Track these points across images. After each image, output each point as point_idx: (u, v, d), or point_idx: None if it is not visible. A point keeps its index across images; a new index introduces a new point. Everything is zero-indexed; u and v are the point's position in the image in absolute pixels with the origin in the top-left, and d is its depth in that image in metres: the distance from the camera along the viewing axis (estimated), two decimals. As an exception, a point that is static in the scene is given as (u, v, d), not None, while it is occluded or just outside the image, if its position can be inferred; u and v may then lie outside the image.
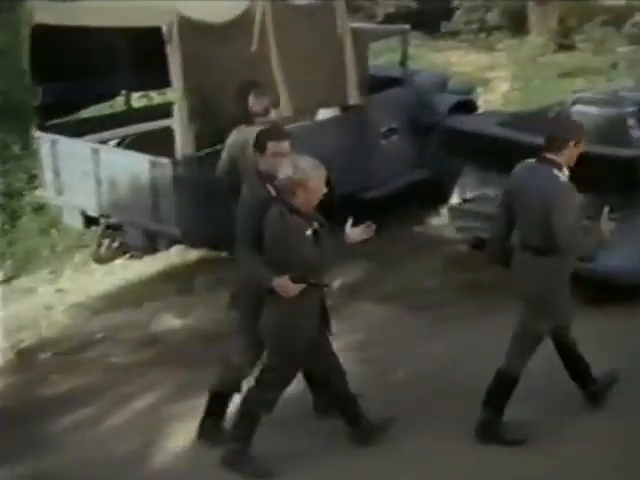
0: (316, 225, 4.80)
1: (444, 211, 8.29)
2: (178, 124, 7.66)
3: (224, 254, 7.60)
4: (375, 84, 9.06)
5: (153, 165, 7.92)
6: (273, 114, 7.27)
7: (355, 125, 8.83)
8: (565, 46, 17.17)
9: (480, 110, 11.15)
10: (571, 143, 5.18)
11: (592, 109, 9.22)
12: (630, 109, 8.96)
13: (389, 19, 18.55)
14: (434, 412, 5.58)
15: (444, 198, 8.34)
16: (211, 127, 7.51)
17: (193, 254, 8.46)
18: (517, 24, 18.49)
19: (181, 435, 5.48)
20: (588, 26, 17.42)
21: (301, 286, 4.79)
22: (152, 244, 8.42)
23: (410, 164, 9.46)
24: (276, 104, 7.73)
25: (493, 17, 18.81)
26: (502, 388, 5.23)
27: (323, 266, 5.01)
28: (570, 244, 5.00)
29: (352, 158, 8.77)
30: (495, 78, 15.14)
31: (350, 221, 4.95)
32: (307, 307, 4.92)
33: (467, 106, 10.25)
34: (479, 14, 18.88)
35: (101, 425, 5.84)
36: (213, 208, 7.46)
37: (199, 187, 7.66)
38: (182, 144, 7.65)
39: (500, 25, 18.76)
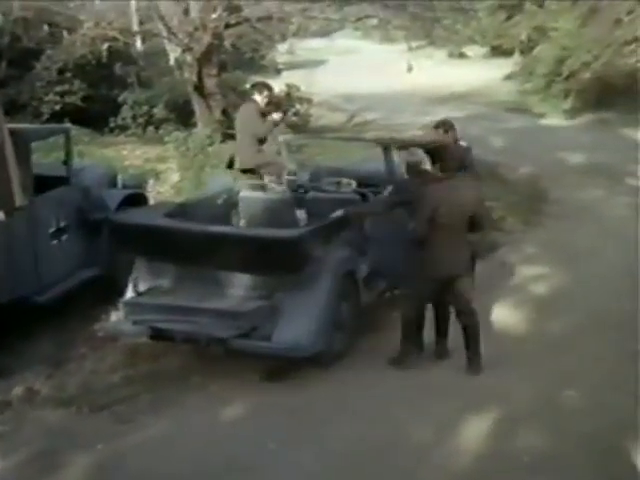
0: None
1: (121, 306, 8.23)
2: None
3: None
4: (41, 184, 8.85)
5: None
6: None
7: (21, 228, 8.52)
8: (230, 136, 17.78)
9: (152, 202, 11.27)
10: None
11: (258, 194, 9.66)
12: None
13: (55, 117, 18.37)
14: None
15: (120, 293, 8.31)
16: None
17: None
18: (184, 117, 18.98)
19: None
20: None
21: None
22: None
23: (83, 262, 9.31)
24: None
25: (160, 111, 19.18)
26: None
27: None
28: None
29: (21, 262, 8.47)
30: (166, 170, 15.38)
31: None
32: None
33: (137, 199, 10.28)
34: (145, 108, 19.18)
35: None
36: None
37: None
38: None
39: (168, 118, 19.15)
